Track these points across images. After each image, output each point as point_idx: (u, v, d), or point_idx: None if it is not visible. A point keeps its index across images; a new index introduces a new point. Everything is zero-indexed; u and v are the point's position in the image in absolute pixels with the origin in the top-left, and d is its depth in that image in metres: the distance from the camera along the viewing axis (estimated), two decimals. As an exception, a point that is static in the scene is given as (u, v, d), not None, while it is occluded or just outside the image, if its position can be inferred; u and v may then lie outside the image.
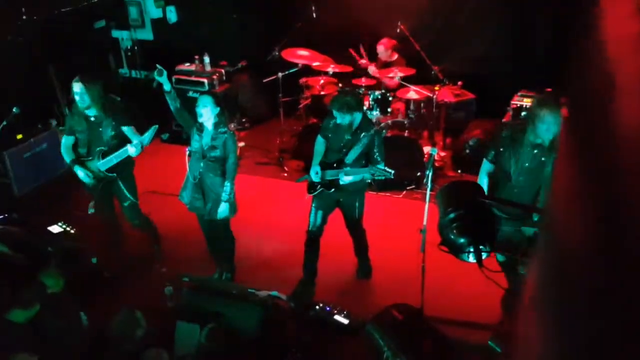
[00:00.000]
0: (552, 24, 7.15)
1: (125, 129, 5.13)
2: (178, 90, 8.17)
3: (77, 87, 4.91)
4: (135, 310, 4.15)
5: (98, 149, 5.11)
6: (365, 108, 6.89)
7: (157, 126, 4.96)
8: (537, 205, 4.08)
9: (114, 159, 5.07)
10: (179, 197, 5.16)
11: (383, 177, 4.74)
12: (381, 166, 4.68)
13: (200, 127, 4.87)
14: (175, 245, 6.16)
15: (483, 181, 4.36)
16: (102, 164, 5.11)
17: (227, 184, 4.90)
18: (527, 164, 4.14)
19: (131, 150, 4.97)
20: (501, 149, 4.27)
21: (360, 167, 4.79)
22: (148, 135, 4.94)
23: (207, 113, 4.76)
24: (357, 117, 4.79)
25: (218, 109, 4.79)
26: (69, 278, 4.67)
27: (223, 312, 4.48)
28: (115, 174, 5.20)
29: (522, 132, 4.11)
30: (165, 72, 4.88)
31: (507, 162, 4.22)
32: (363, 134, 4.78)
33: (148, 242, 5.79)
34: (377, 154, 4.78)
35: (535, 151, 4.09)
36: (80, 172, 5.14)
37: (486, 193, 4.12)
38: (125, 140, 5.09)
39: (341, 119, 4.73)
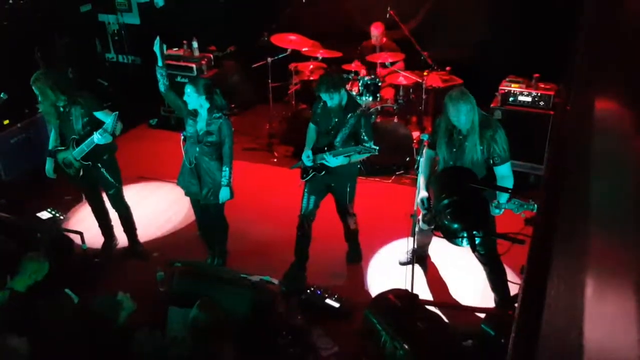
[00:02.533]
0: (539, 9, 7.18)
1: (97, 114, 5.11)
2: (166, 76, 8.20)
3: (34, 88, 4.93)
4: (119, 293, 4.16)
5: (71, 137, 5.10)
6: (354, 93, 6.91)
7: (117, 112, 4.92)
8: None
9: (84, 147, 5.05)
10: (177, 183, 5.17)
11: (369, 154, 4.78)
12: (367, 144, 4.72)
13: (194, 112, 4.87)
14: (167, 230, 6.17)
15: (426, 166, 4.58)
16: (76, 153, 5.10)
17: (226, 168, 4.92)
18: (454, 149, 4.37)
19: (96, 138, 4.95)
20: (435, 136, 4.55)
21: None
22: (110, 121, 4.90)
23: (192, 101, 4.78)
24: (344, 96, 4.82)
25: (203, 95, 4.77)
26: (58, 264, 4.68)
27: (215, 297, 4.50)
28: (90, 163, 5.18)
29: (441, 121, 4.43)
30: (164, 46, 4.95)
31: (442, 148, 4.46)
32: (350, 114, 4.81)
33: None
34: (364, 134, 4.81)
35: (460, 137, 4.33)
36: (48, 164, 5.20)
37: (426, 178, 4.44)
38: (99, 126, 5.06)
39: (330, 100, 4.75)
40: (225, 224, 5.38)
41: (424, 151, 4.53)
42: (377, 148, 4.68)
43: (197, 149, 4.89)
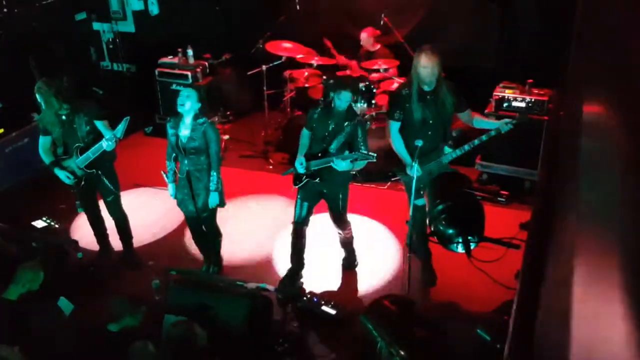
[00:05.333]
0: (534, 15, 7.22)
1: (98, 123, 5.10)
2: (161, 84, 8.22)
3: (38, 97, 4.92)
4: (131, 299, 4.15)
5: (75, 145, 5.09)
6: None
7: (128, 118, 4.89)
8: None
9: (90, 154, 5.03)
10: (177, 204, 5.19)
11: (366, 161, 4.78)
12: (364, 150, 4.74)
13: (174, 124, 4.89)
14: (162, 238, 6.15)
15: (397, 139, 4.82)
16: (81, 161, 5.08)
17: (214, 173, 4.92)
18: (429, 109, 4.62)
19: (105, 144, 4.93)
20: (407, 105, 4.70)
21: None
22: (121, 127, 4.87)
23: (189, 106, 4.79)
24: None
25: (199, 104, 4.81)
26: (54, 272, 4.66)
27: (211, 305, 4.50)
28: (94, 170, 5.17)
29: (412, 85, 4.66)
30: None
31: (417, 112, 4.66)
32: (347, 122, 4.82)
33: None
34: (360, 143, 4.81)
35: (432, 96, 4.63)
36: (61, 174, 5.12)
37: (401, 148, 4.69)
38: (101, 135, 5.05)
39: (345, 103, 4.78)
40: (218, 232, 5.37)
41: (390, 125, 4.82)
42: (375, 155, 4.70)
43: (185, 160, 4.91)
